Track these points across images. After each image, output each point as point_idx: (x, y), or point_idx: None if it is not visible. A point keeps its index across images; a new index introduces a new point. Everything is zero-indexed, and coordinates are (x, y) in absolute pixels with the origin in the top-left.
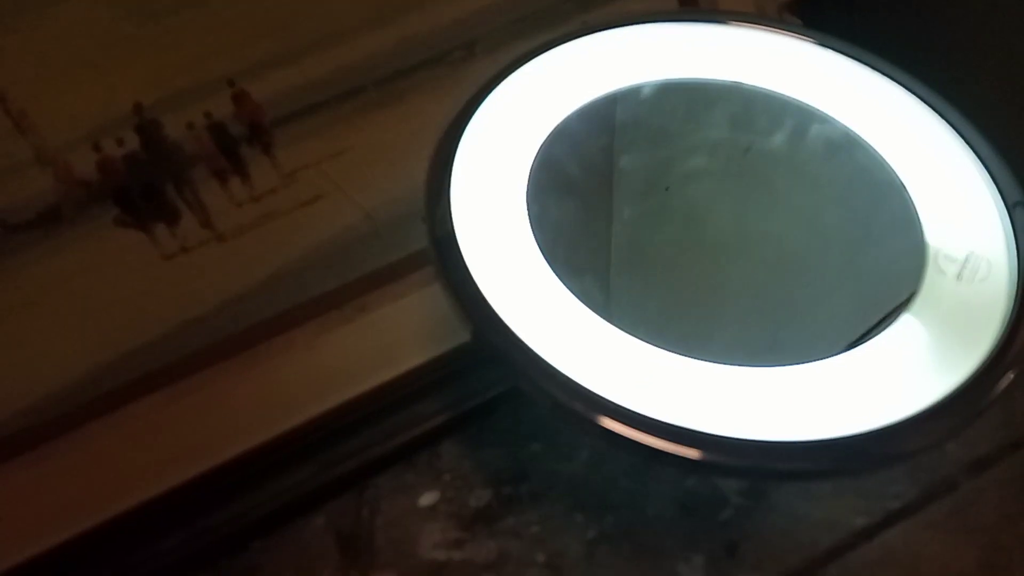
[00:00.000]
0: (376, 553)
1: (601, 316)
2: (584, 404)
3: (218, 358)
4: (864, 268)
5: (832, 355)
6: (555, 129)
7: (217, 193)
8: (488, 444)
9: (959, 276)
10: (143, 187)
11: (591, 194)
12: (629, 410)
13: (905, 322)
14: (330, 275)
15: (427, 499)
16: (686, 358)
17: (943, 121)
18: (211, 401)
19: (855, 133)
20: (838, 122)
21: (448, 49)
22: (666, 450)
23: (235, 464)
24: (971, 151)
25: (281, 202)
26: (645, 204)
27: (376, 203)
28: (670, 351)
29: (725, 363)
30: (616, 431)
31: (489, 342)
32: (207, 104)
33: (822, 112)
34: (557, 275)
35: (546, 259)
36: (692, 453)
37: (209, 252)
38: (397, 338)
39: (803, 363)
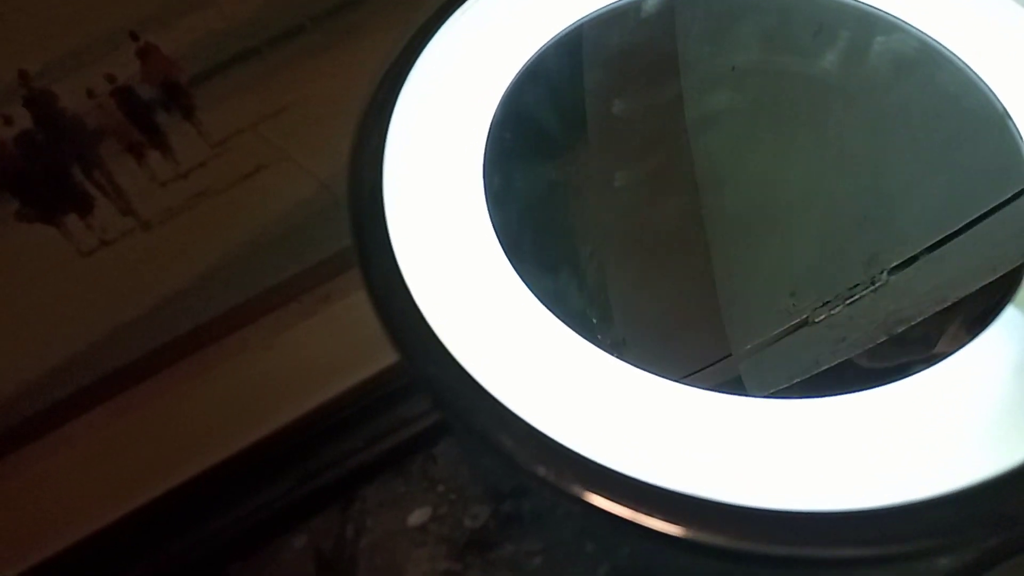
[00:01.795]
0: None
1: (582, 332)
2: (558, 468)
3: (161, 365)
4: (950, 239)
5: (909, 374)
6: (523, 69)
7: (135, 172)
8: None
9: None
10: (44, 172)
11: (571, 153)
12: (622, 475)
13: (1008, 319)
14: (285, 261)
15: (417, 516)
16: (705, 391)
17: None
18: (158, 415)
19: (936, 43)
20: (912, 29)
21: None
22: (679, 535)
23: (193, 484)
24: None
25: (214, 177)
26: (645, 164)
27: (333, 169)
28: (677, 380)
29: (761, 396)
30: (608, 509)
31: (426, 377)
32: (107, 65)
33: (889, 16)
34: (521, 275)
35: (506, 251)
36: (711, 538)
37: (134, 243)
38: (372, 329)
39: (870, 388)
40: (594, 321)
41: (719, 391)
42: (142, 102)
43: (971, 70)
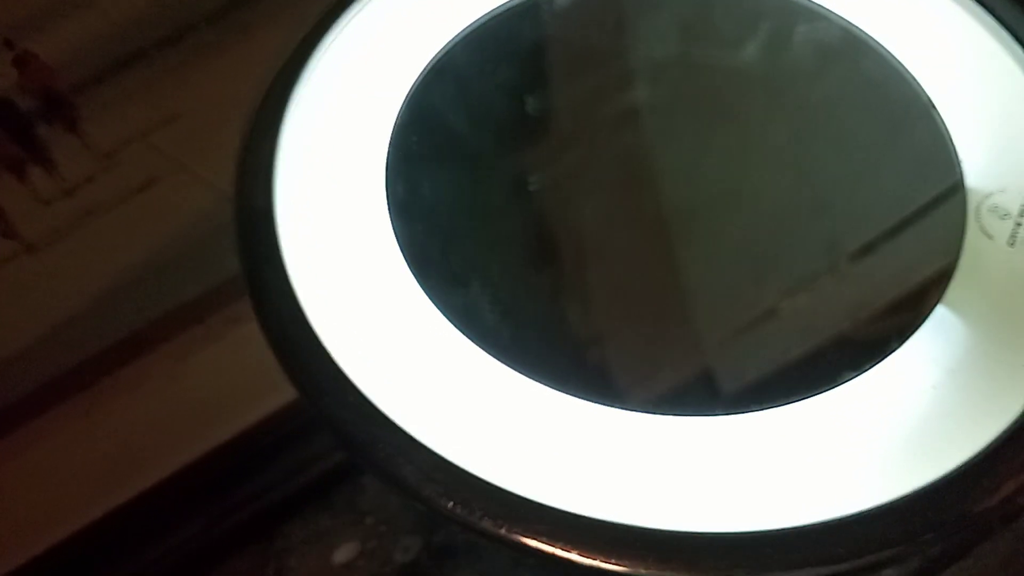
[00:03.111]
0: None
1: (496, 352)
2: (470, 501)
3: (49, 404)
4: (875, 236)
5: (838, 383)
6: (429, 67)
7: (15, 190)
8: None
9: (1012, 239)
10: None
11: (481, 156)
12: (565, 514)
13: (939, 320)
14: (185, 281)
15: (344, 553)
16: (643, 414)
17: (983, 10)
18: (49, 458)
19: (860, 32)
20: (836, 17)
21: None
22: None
23: (96, 528)
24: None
25: (103, 192)
26: (563, 163)
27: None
28: (608, 404)
29: (696, 414)
30: (528, 544)
31: (331, 416)
32: None
33: (813, 4)
34: (428, 292)
35: (412, 267)
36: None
37: (17, 268)
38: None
39: (800, 399)
40: (511, 340)
41: (640, 411)
42: (20, 114)
43: (895, 58)
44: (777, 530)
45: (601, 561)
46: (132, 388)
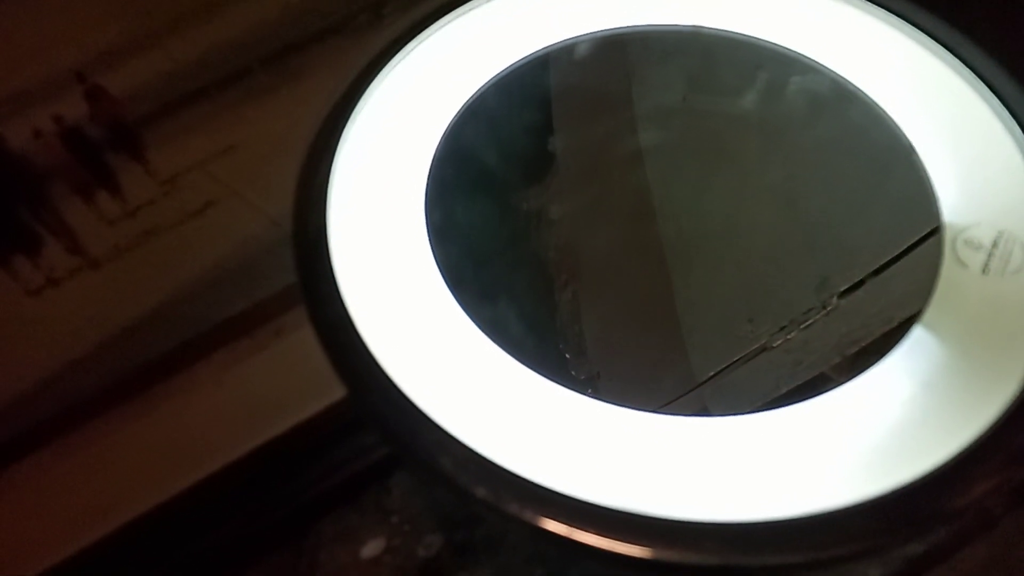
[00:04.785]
0: None
1: (521, 358)
2: (500, 490)
3: (108, 405)
4: (861, 272)
5: (823, 391)
6: (463, 108)
7: (83, 211)
8: None
9: (985, 268)
10: None
11: (511, 189)
12: (581, 502)
13: (917, 340)
14: (235, 296)
15: (371, 549)
16: (654, 415)
17: (957, 60)
18: (106, 455)
19: (847, 82)
20: (826, 70)
21: (350, 13)
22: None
23: (143, 522)
24: (997, 99)
25: (163, 215)
26: (581, 196)
27: (282, 205)
28: (619, 405)
29: (696, 415)
30: (553, 530)
31: (376, 413)
32: (55, 105)
33: (805, 58)
34: (463, 305)
35: (448, 283)
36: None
37: (82, 281)
38: (324, 362)
39: (788, 404)
40: (534, 348)
41: (657, 412)
42: (90, 142)
43: (879, 107)
44: (768, 521)
45: (611, 542)
46: (184, 391)
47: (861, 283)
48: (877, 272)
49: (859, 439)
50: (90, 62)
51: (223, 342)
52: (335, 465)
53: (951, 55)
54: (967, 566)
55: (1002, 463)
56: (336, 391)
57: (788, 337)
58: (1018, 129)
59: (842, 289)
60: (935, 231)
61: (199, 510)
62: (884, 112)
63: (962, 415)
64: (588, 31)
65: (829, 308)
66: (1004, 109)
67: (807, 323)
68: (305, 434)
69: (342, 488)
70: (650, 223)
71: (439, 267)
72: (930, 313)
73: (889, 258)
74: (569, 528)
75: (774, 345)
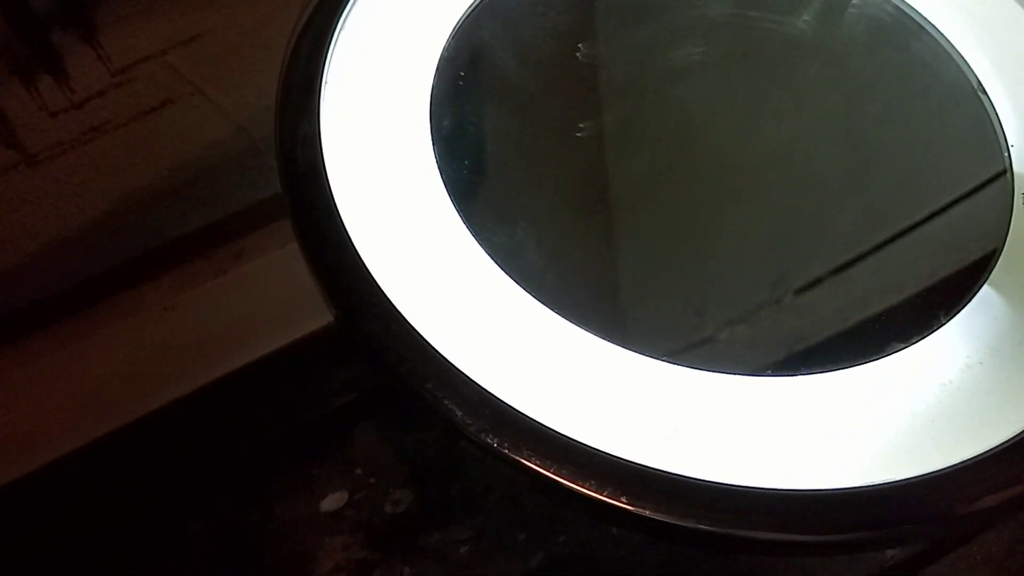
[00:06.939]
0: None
1: (538, 295)
2: (514, 437)
3: (36, 326)
4: (920, 216)
5: (877, 357)
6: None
7: (21, 97)
8: (414, 428)
9: None
10: None
11: (531, 98)
12: (594, 451)
13: (984, 299)
14: (191, 210)
15: (332, 501)
16: (674, 365)
17: None
18: (31, 385)
19: (913, 11)
20: None
21: None
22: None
23: (74, 458)
24: None
25: (114, 109)
26: (614, 112)
27: (251, 109)
28: (644, 353)
29: (728, 372)
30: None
31: (368, 336)
32: None
33: None
34: (471, 229)
35: (455, 203)
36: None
37: (17, 181)
38: (289, 292)
39: (837, 369)
40: (550, 281)
41: (679, 364)
42: (35, 17)
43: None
44: (814, 491)
45: (607, 496)
46: (128, 314)
47: (919, 224)
48: (937, 214)
49: (925, 405)
50: None
51: (175, 262)
52: (293, 408)
53: None
54: (990, 549)
55: None
56: (299, 326)
57: (734, 331)
58: None
59: (899, 227)
60: (1001, 174)
61: (137, 450)
62: (953, 47)
63: None
64: None
65: (783, 303)
66: None
67: (757, 318)
68: (262, 373)
69: (300, 434)
70: (693, 144)
71: (445, 183)
72: (997, 272)
73: (949, 199)
74: (590, 486)
75: (718, 338)
